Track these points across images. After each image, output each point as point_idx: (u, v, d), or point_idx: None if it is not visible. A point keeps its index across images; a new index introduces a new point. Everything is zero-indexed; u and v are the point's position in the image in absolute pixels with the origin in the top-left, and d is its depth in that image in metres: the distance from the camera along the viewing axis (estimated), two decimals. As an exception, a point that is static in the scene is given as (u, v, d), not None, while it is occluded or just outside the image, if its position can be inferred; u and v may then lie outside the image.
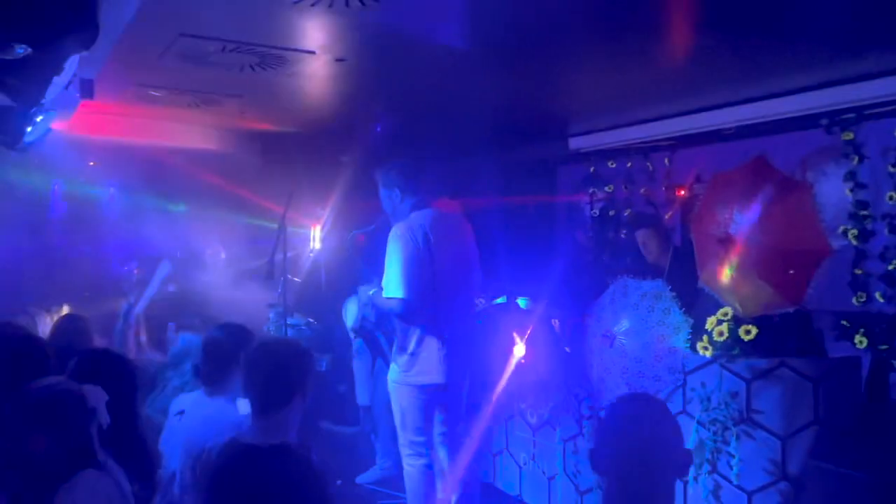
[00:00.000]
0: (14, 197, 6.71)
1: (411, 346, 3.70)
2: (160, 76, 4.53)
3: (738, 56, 3.98)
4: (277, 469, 2.14)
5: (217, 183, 6.53)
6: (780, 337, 3.29)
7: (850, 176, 4.61)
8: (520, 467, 4.62)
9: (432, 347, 3.70)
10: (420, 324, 3.68)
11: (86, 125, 5.32)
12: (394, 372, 3.81)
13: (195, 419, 2.97)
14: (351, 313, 5.09)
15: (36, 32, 2.23)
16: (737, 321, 3.30)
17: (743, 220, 3.29)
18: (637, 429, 1.78)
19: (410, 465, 3.79)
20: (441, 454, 3.89)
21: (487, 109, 5.37)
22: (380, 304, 3.81)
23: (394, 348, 3.83)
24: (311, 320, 6.03)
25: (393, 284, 3.62)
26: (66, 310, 5.34)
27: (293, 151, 6.34)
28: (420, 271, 3.62)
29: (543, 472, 4.40)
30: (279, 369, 2.31)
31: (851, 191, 4.58)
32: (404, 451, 3.82)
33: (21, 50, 2.37)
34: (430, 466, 3.80)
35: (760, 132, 4.98)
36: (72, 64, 2.92)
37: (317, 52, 3.97)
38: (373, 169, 3.98)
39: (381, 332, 4.29)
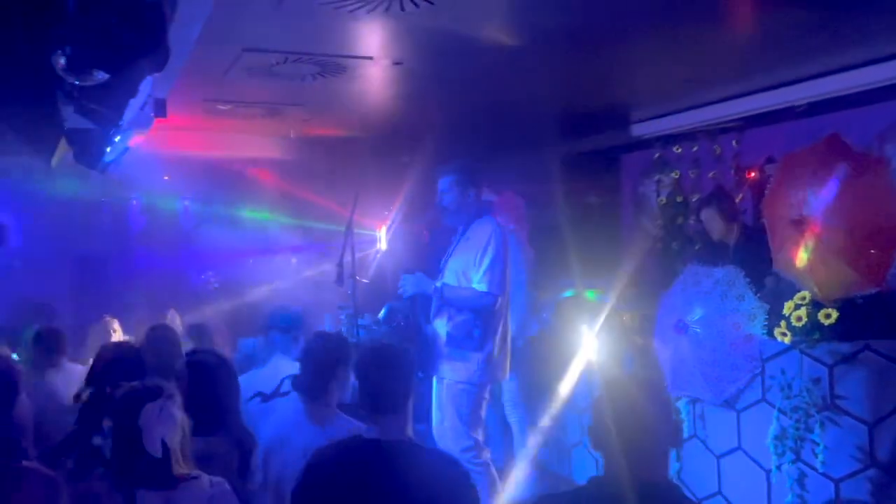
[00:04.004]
0: (97, 214, 7.08)
1: (488, 345, 3.72)
2: (226, 91, 4.69)
3: (808, 28, 3.82)
4: (420, 461, 2.24)
5: (285, 189, 6.72)
6: (863, 319, 3.17)
7: (933, 148, 4.39)
8: (596, 460, 4.59)
9: (505, 346, 3.78)
10: (497, 322, 3.75)
11: (160, 141, 5.56)
12: (458, 372, 3.73)
13: (296, 433, 3.05)
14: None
15: (113, 58, 2.35)
16: (816, 305, 3.20)
17: (818, 200, 3.18)
18: (629, 405, 1.97)
19: (479, 464, 3.70)
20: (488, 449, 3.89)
21: (547, 101, 5.35)
22: (455, 297, 3.75)
23: (453, 348, 3.75)
24: (380, 319, 6.13)
25: (487, 280, 3.66)
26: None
27: (357, 154, 6.45)
28: (508, 271, 3.74)
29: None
30: (395, 374, 2.37)
31: (935, 164, 4.36)
32: (467, 455, 3.65)
33: (100, 75, 2.50)
34: (492, 460, 3.82)
35: (833, 108, 4.78)
36: (146, 85, 3.06)
37: (374, 57, 4.03)
38: (439, 166, 3.97)
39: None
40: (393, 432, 2.28)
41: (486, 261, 3.68)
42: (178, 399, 2.27)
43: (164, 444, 2.13)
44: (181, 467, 2.18)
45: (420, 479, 2.16)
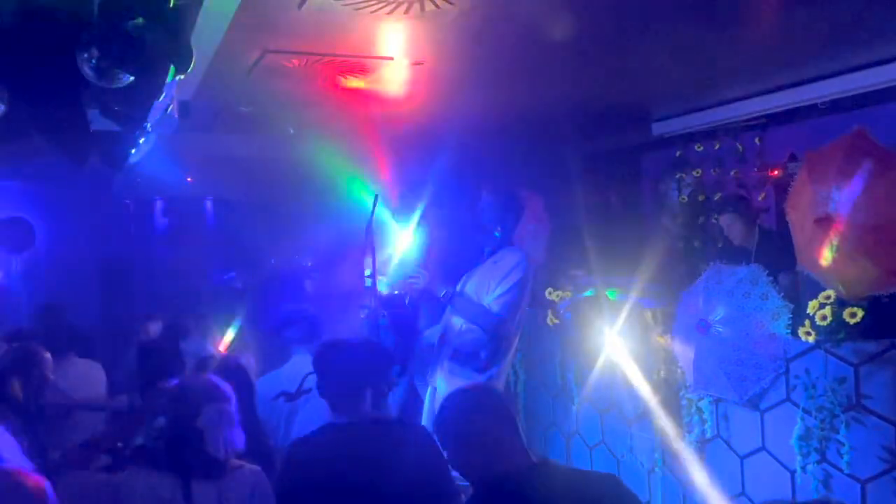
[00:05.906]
0: (122, 214, 7.18)
1: (492, 370, 3.69)
2: (248, 92, 4.73)
3: (832, 24, 3.78)
4: (389, 434, 2.52)
5: (307, 187, 6.76)
6: (889, 318, 3.13)
7: (961, 144, 4.31)
8: (618, 460, 4.58)
9: (502, 372, 3.79)
10: (505, 350, 3.74)
11: (184, 143, 5.61)
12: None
13: None
14: None
15: (138, 61, 2.40)
16: (841, 304, 3.16)
17: (842, 198, 3.14)
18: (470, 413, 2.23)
19: None
20: None
21: (567, 99, 5.34)
22: (463, 307, 3.73)
23: (455, 363, 3.70)
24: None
25: (500, 303, 3.64)
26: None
27: (379, 153, 6.47)
28: (523, 304, 3.75)
29: (642, 465, 4.35)
30: (350, 367, 2.61)
31: (963, 160, 4.28)
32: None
33: (125, 78, 2.55)
34: None
35: (858, 104, 4.73)
36: (170, 88, 3.11)
37: (395, 57, 4.05)
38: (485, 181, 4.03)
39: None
40: (357, 415, 2.53)
41: (505, 286, 3.66)
42: (234, 398, 2.39)
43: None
44: (230, 460, 2.34)
45: (392, 448, 2.41)
